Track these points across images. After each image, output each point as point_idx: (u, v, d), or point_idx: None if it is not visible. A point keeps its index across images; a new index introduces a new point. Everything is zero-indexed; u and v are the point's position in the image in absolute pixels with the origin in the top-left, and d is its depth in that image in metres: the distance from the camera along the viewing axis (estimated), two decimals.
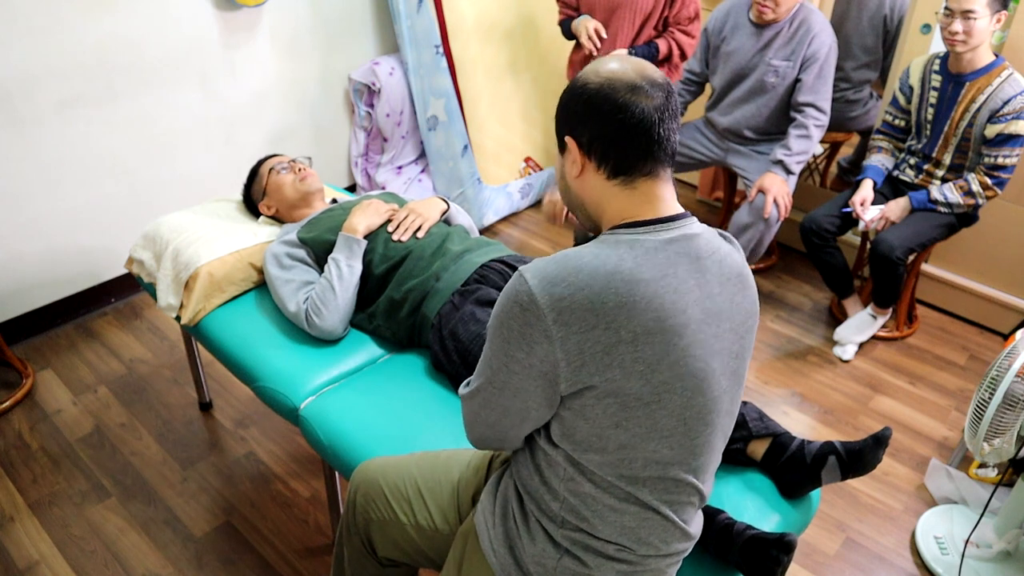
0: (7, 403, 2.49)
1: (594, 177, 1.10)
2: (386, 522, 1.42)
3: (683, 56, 2.78)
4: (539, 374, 1.05)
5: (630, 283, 1.01)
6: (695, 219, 1.12)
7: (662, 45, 2.76)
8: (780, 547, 1.35)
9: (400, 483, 1.42)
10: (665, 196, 1.10)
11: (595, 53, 2.67)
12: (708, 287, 1.08)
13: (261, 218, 2.25)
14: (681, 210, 1.11)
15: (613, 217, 1.10)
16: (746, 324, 1.15)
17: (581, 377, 1.03)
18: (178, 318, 2.06)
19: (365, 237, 1.97)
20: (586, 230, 1.20)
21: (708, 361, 1.08)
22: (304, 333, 1.95)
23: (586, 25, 2.70)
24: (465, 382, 1.21)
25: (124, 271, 2.94)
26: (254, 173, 2.24)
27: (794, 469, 1.55)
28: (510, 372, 1.07)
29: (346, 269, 1.91)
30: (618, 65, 1.07)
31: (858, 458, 1.51)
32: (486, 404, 1.14)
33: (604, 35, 2.69)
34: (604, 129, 1.06)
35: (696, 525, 1.24)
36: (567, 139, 1.10)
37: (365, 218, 1.99)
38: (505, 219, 3.68)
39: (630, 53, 2.64)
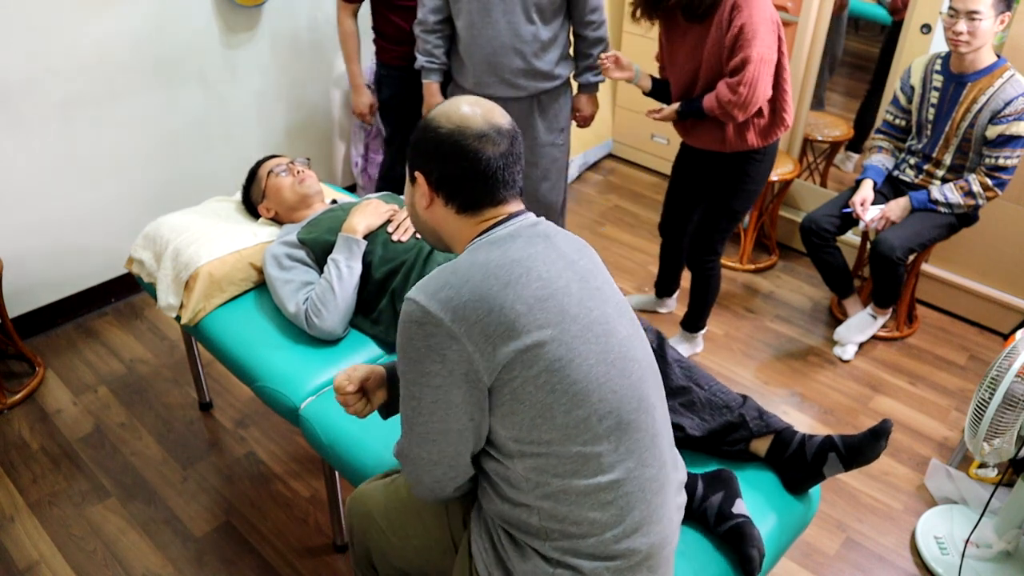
0: (21, 393, 2.52)
1: (443, 210, 1.20)
2: (383, 547, 1.43)
3: (722, 108, 2.21)
4: (462, 378, 1.09)
5: (505, 266, 1.10)
6: (531, 214, 1.22)
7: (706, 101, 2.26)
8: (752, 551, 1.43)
9: (391, 509, 1.42)
10: (510, 210, 1.20)
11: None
12: (569, 255, 1.18)
13: (261, 218, 2.25)
14: (520, 207, 1.22)
15: (465, 239, 1.20)
16: (610, 280, 1.25)
17: (498, 359, 1.07)
18: (178, 318, 2.06)
19: (365, 238, 1.97)
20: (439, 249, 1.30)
21: (603, 309, 1.16)
22: (304, 333, 1.95)
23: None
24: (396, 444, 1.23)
25: (124, 271, 2.93)
26: (252, 175, 2.23)
27: (796, 467, 1.58)
28: (434, 389, 1.10)
29: (345, 270, 1.91)
30: (469, 110, 1.17)
31: (857, 453, 1.53)
32: (424, 439, 1.15)
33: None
34: (452, 172, 1.16)
35: (672, 485, 1.25)
36: (417, 174, 1.19)
37: (364, 218, 1.99)
38: None
39: (681, 108, 2.31)
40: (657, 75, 2.47)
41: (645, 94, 2.44)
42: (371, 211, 2.01)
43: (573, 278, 1.15)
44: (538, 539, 1.17)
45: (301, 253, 2.01)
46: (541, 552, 1.17)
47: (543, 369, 1.08)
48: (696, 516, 1.50)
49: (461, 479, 1.20)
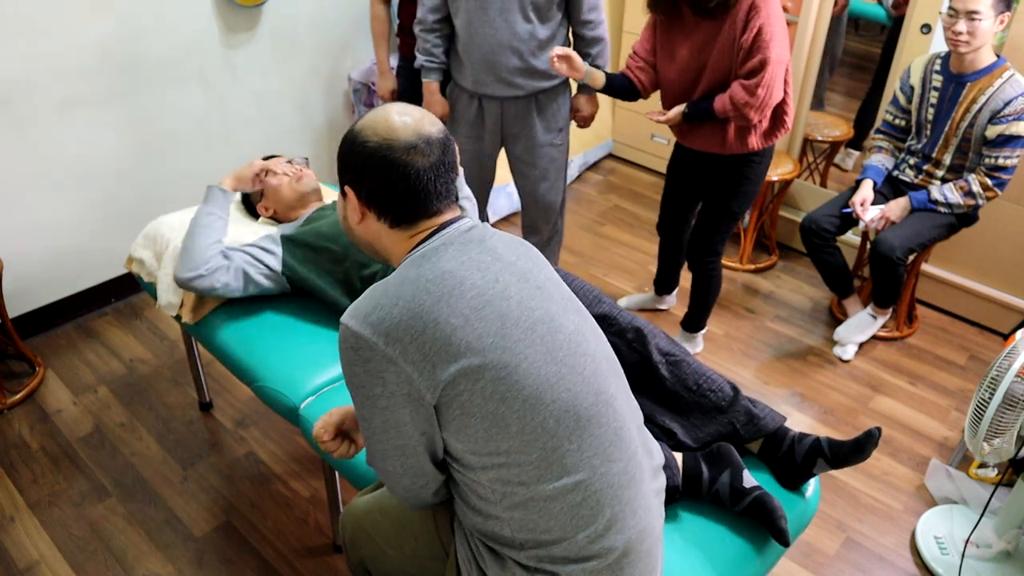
0: (21, 393, 2.52)
1: (376, 224, 1.16)
2: (377, 557, 1.43)
3: (737, 110, 2.17)
4: (404, 398, 1.08)
5: (435, 279, 1.07)
6: (467, 217, 1.18)
7: (717, 103, 2.22)
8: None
9: (382, 520, 1.42)
10: (444, 219, 1.16)
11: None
12: (505, 257, 1.15)
13: (261, 218, 2.25)
14: (455, 214, 1.18)
15: (400, 254, 1.17)
16: (554, 275, 1.22)
17: (440, 377, 1.05)
18: (178, 317, 2.06)
19: (349, 252, 1.94)
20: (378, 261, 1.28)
21: (547, 308, 1.13)
22: (304, 333, 1.95)
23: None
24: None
25: (124, 271, 2.94)
26: None
27: (786, 467, 1.61)
28: (382, 410, 1.10)
29: (196, 213, 1.97)
30: (398, 120, 1.12)
31: (844, 461, 1.55)
32: (384, 455, 1.16)
33: None
34: (381, 186, 1.12)
35: (646, 473, 1.23)
36: (347, 189, 1.16)
37: (237, 172, 2.04)
38: (505, 219, 3.68)
39: (687, 109, 2.26)
40: (629, 69, 2.38)
41: (598, 91, 2.39)
42: (245, 166, 2.06)
43: (512, 280, 1.12)
44: (513, 549, 1.17)
45: (277, 250, 2.00)
46: (518, 561, 1.17)
47: (490, 380, 1.06)
48: (709, 499, 1.50)
49: (433, 485, 1.20)
